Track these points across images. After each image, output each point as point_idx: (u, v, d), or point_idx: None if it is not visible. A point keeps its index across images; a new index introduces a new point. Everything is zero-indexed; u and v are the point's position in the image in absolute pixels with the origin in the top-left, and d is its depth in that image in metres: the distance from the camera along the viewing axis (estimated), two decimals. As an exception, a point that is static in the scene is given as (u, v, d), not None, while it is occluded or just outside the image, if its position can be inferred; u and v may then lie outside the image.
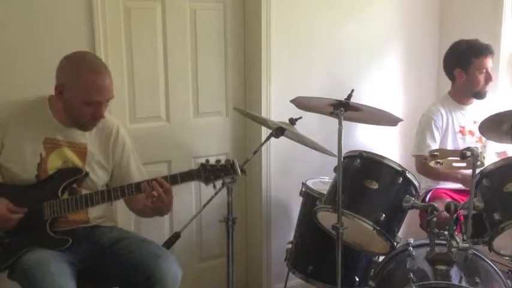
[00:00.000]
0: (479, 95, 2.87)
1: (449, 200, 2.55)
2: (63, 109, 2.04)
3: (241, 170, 2.12)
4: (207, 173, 2.05)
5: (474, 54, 2.81)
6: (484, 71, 2.82)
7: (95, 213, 2.14)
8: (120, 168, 2.20)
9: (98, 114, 2.01)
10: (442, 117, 2.88)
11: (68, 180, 2.03)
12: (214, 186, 2.10)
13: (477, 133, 2.80)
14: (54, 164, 2.04)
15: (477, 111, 2.85)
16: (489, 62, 2.83)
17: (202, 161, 2.08)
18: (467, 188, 2.64)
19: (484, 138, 2.83)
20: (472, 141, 2.88)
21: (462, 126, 2.90)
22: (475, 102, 2.93)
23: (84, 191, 2.07)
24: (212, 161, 2.09)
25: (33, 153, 2.03)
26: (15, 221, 1.95)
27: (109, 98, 2.03)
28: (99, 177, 2.14)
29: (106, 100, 2.02)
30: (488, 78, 2.83)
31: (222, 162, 2.08)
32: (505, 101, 3.07)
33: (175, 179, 2.04)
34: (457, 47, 2.89)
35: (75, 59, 2.02)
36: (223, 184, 2.19)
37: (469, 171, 2.09)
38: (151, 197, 2.01)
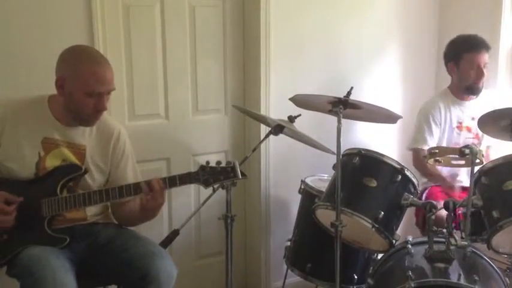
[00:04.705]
0: (471, 90, 2.85)
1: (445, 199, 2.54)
2: (64, 106, 2.01)
3: (242, 174, 2.03)
4: (206, 175, 2.00)
5: (465, 49, 2.80)
6: (476, 66, 2.78)
7: (93, 210, 2.12)
8: (116, 172, 2.17)
9: (100, 106, 1.98)
10: (440, 112, 2.87)
11: (67, 177, 2.01)
12: (214, 190, 2.08)
13: (474, 129, 2.80)
14: (52, 163, 2.02)
15: (476, 107, 2.83)
16: (482, 58, 2.78)
17: (201, 158, 2.08)
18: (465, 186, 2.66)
19: (480, 134, 2.82)
20: (468, 137, 2.87)
21: (460, 121, 2.89)
22: (475, 98, 2.90)
23: (80, 192, 2.04)
24: (212, 161, 2.04)
25: (31, 152, 2.00)
26: (12, 216, 1.92)
27: (110, 89, 1.99)
28: (95, 179, 2.11)
29: (107, 91, 1.98)
30: (480, 74, 2.79)
31: (223, 164, 2.02)
32: (504, 96, 3.05)
33: (174, 181, 2.00)
34: (453, 41, 2.89)
35: (75, 50, 2.00)
36: (222, 186, 2.16)
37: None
38: (147, 196, 1.99)
